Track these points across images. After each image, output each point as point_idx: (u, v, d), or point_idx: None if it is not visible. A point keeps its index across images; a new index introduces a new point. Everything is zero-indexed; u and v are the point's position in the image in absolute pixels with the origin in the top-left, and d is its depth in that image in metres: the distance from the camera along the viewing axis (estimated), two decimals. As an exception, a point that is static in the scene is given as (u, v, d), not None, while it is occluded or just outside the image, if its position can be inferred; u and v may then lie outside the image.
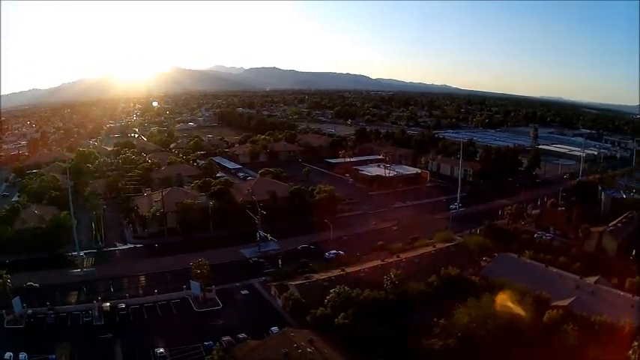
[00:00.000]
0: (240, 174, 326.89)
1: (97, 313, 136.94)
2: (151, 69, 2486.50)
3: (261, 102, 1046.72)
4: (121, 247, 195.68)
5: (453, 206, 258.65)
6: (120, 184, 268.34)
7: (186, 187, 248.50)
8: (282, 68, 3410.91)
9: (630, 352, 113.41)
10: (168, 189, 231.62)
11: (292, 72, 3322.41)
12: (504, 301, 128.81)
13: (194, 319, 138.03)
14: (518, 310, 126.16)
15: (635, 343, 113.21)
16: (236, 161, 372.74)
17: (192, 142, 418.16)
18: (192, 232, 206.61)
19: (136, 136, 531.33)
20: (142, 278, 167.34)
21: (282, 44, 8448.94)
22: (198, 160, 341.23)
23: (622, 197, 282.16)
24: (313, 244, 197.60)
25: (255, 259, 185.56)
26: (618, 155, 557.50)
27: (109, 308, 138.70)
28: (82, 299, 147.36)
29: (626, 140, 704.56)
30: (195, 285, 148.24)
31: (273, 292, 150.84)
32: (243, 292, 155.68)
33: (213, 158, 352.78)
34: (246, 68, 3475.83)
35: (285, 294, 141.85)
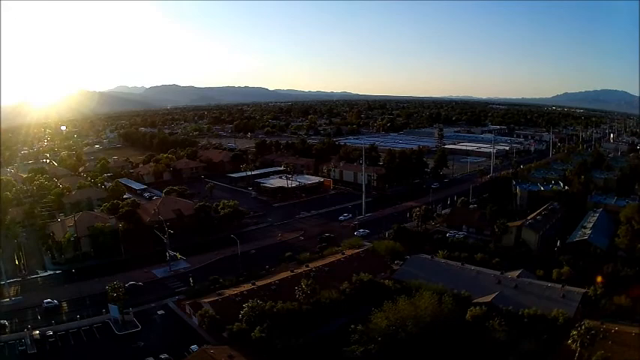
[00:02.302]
0: (146, 194, 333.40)
1: (29, 342, 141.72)
2: (59, 93, 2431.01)
3: (162, 120, 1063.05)
4: (42, 275, 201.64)
5: (342, 217, 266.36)
6: (35, 211, 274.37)
7: (96, 210, 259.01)
8: (181, 85, 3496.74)
9: (569, 341, 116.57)
10: (80, 213, 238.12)
11: (192, 88, 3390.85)
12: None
13: (117, 342, 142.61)
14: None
15: (574, 332, 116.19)
16: (141, 181, 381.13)
17: (99, 165, 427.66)
18: (105, 256, 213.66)
19: (48, 161, 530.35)
20: (65, 304, 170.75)
21: (180, 61, 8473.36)
22: (105, 183, 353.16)
23: (539, 190, 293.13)
24: (222, 260, 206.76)
25: (167, 278, 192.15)
26: (532, 149, 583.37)
27: (39, 336, 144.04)
28: (14, 328, 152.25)
29: (540, 133, 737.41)
30: (113, 308, 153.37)
31: (188, 311, 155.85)
32: (159, 312, 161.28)
33: (120, 180, 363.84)
34: (148, 87, 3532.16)
35: (199, 312, 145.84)
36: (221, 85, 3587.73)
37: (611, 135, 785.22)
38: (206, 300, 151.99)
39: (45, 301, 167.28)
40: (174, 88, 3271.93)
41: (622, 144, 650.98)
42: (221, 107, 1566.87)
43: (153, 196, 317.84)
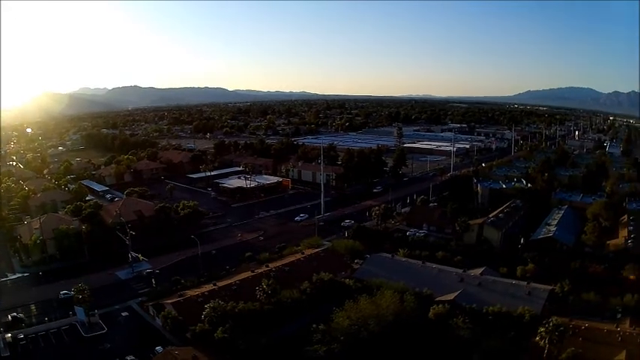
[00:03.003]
0: (108, 195, 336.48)
1: (2, 345, 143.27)
2: (25, 95, 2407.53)
3: (123, 122, 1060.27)
4: (11, 277, 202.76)
5: (298, 218, 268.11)
6: (3, 214, 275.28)
7: (60, 212, 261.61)
8: (142, 86, 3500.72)
9: (537, 338, 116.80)
10: (45, 216, 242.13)
11: (152, 89, 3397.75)
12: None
13: (84, 345, 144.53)
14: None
15: (542, 329, 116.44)
16: (103, 183, 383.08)
17: (62, 167, 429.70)
18: (70, 258, 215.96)
19: (14, 164, 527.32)
20: (33, 307, 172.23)
21: (141, 62, 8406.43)
22: (69, 185, 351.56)
23: (501, 188, 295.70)
24: (183, 261, 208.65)
25: (130, 279, 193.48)
26: (494, 147, 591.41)
27: (11, 339, 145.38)
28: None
29: (502, 131, 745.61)
30: (79, 310, 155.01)
31: (151, 312, 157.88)
32: (123, 314, 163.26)
33: (83, 181, 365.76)
34: (110, 88, 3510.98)
35: (162, 313, 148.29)
36: (181, 86, 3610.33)
37: (577, 132, 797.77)
38: (168, 301, 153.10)
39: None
40: (135, 90, 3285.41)
41: (588, 141, 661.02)
42: (181, 108, 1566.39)
43: (115, 198, 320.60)
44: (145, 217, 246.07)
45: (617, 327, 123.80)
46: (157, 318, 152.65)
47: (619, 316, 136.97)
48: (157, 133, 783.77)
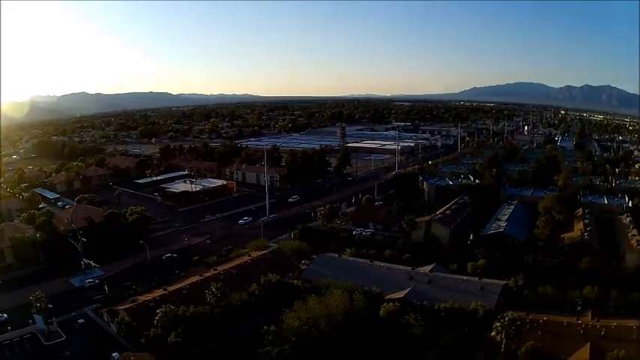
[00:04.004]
0: (60, 203, 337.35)
1: None
2: None
3: (72, 129, 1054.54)
4: None
5: (242, 221, 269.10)
6: None
7: (15, 220, 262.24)
8: (90, 92, 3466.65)
9: (493, 333, 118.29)
10: (2, 224, 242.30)
11: (99, 95, 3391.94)
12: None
13: (46, 353, 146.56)
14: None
15: (497, 324, 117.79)
16: (54, 190, 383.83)
17: (16, 176, 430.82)
18: (26, 266, 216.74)
19: None
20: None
21: (87, 68, 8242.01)
22: (23, 193, 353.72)
23: (447, 184, 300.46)
24: (134, 266, 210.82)
25: (83, 286, 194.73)
26: (439, 144, 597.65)
27: None
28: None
29: (448, 128, 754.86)
30: (39, 319, 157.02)
31: (106, 319, 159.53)
32: (79, 321, 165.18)
33: (35, 189, 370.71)
34: (59, 95, 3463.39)
35: (117, 319, 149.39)
36: (127, 92, 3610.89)
37: (526, 127, 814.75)
38: (122, 307, 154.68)
39: None
40: (83, 96, 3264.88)
41: (538, 136, 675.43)
42: (127, 114, 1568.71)
43: (66, 205, 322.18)
44: (95, 224, 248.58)
45: (577, 319, 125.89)
46: (111, 324, 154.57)
47: (579, 308, 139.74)
48: (105, 140, 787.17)
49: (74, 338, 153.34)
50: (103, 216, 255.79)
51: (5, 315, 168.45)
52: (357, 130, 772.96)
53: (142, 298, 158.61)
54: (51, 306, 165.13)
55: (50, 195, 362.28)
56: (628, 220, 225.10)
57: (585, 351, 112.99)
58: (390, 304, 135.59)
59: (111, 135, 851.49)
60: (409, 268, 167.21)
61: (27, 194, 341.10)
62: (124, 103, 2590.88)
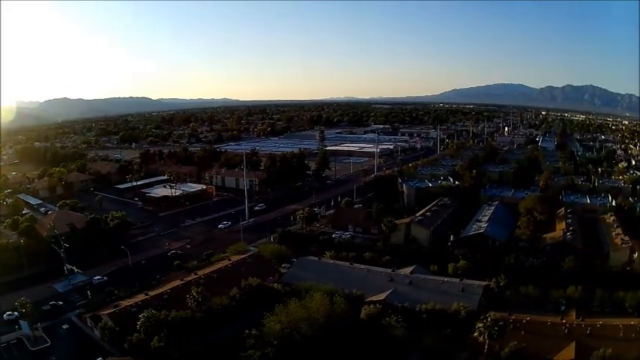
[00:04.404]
0: (42, 209, 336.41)
1: None
2: None
3: (54, 134, 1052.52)
4: None
5: (222, 225, 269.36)
6: None
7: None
8: (71, 98, 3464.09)
9: (476, 334, 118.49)
10: None
11: (80, 101, 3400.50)
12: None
13: (32, 358, 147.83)
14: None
15: (480, 324, 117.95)
16: (37, 196, 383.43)
17: None
18: (12, 272, 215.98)
19: None
20: None
21: (69, 74, 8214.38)
22: (6, 199, 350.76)
23: (427, 186, 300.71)
24: (116, 272, 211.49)
25: (67, 292, 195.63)
26: (419, 146, 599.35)
27: None
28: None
29: (427, 130, 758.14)
30: (24, 324, 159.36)
31: (89, 324, 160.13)
32: (64, 326, 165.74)
33: (19, 195, 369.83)
34: (42, 101, 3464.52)
35: (100, 324, 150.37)
36: (108, 97, 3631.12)
37: (506, 128, 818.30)
38: (104, 312, 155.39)
39: None
40: (65, 102, 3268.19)
41: (518, 137, 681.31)
42: (108, 119, 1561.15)
43: (48, 211, 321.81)
44: (77, 229, 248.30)
45: (562, 319, 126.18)
46: (95, 329, 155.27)
47: (563, 308, 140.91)
48: (86, 145, 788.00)
49: (59, 344, 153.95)
50: (84, 222, 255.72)
51: (16, 313, 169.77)
52: (336, 133, 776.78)
53: (124, 303, 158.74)
54: (51, 305, 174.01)
55: (33, 201, 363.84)
56: (612, 219, 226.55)
57: (571, 350, 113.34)
58: (371, 306, 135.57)
59: (92, 140, 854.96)
60: (389, 270, 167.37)
61: (10, 200, 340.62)
62: (105, 108, 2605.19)
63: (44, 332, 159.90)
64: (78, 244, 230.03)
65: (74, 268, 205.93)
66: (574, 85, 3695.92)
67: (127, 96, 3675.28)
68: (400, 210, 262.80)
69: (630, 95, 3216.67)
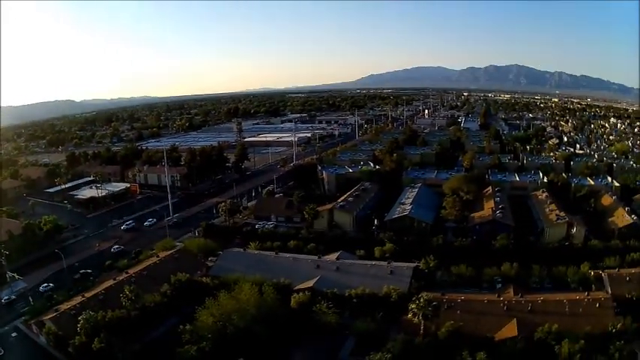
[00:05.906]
0: None
1: None
2: None
3: None
4: None
5: (147, 222, 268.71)
6: None
7: None
8: (2, 105, 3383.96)
9: (410, 315, 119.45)
10: None
11: (10, 107, 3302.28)
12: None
13: None
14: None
15: (413, 306, 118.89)
16: None
17: None
18: None
19: None
20: None
21: None
22: None
23: (347, 172, 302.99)
24: (53, 275, 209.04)
25: (10, 300, 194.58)
26: (337, 133, 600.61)
27: None
28: None
29: (345, 117, 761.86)
30: None
31: (35, 330, 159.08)
32: (13, 334, 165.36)
33: None
34: None
35: (44, 329, 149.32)
36: (34, 102, 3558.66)
37: (426, 111, 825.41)
38: (47, 317, 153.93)
39: None
40: None
41: (439, 119, 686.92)
42: (35, 124, 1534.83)
43: None
44: (14, 236, 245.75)
45: (499, 296, 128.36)
46: (40, 335, 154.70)
47: (499, 285, 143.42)
48: (17, 152, 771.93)
49: (11, 352, 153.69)
50: (20, 228, 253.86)
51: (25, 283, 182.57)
52: (254, 124, 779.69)
53: (63, 307, 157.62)
54: None
55: None
56: (544, 195, 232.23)
57: (512, 327, 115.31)
58: (300, 294, 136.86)
59: (22, 146, 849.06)
60: (315, 257, 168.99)
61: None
62: (32, 113, 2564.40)
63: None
64: (16, 251, 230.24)
65: (15, 275, 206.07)
66: (497, 65, 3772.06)
67: (53, 99, 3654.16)
68: (322, 197, 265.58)
69: (560, 73, 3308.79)
